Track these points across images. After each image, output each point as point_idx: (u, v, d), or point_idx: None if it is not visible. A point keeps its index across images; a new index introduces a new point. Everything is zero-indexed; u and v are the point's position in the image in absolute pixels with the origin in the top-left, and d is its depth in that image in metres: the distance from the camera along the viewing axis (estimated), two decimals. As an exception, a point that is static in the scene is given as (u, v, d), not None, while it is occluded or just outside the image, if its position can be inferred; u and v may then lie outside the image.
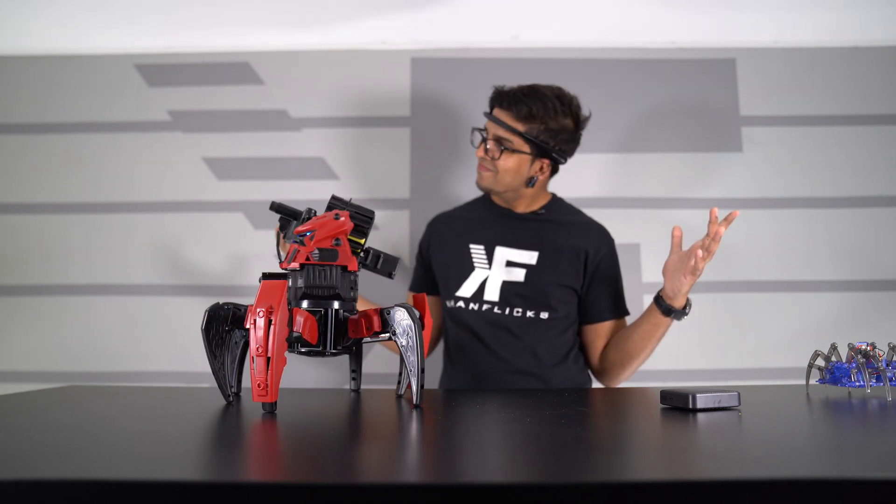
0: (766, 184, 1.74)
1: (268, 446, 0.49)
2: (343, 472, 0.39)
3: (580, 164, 1.76)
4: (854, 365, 0.73)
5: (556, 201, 1.41)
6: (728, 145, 1.76)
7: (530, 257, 1.31)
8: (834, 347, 0.77)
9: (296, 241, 0.72)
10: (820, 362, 0.79)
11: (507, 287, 1.29)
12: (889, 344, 0.75)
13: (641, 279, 1.71)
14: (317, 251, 0.71)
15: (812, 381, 0.79)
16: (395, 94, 1.79)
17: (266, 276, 0.66)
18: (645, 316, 1.23)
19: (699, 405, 0.62)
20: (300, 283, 0.71)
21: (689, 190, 1.75)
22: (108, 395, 0.80)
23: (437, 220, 1.46)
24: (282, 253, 1.03)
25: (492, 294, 1.29)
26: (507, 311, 1.28)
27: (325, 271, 0.71)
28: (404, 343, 0.69)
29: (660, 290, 1.20)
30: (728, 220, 1.08)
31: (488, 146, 1.30)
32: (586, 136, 1.81)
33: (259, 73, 1.80)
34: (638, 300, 1.71)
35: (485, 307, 1.30)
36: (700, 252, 1.07)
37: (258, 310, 0.59)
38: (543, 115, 1.28)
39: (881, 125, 1.75)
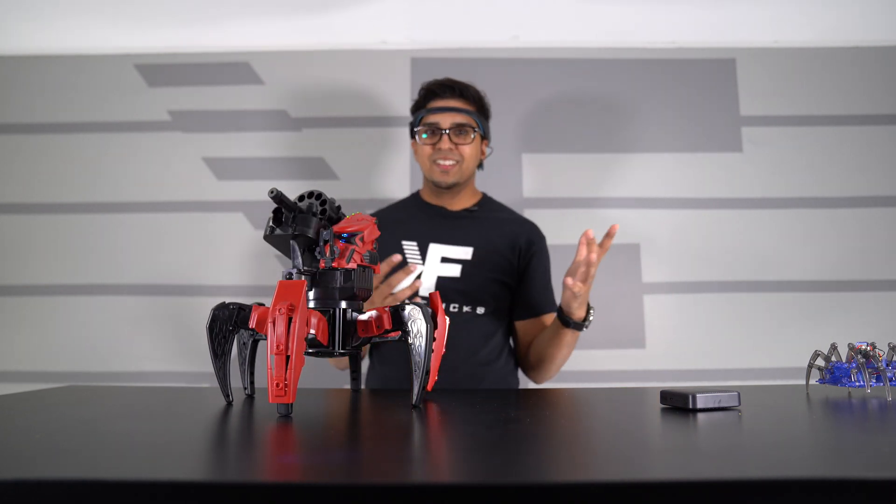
0: (766, 184, 1.75)
1: (269, 446, 0.49)
2: (345, 473, 0.39)
3: (580, 165, 1.77)
4: (854, 365, 0.73)
5: (487, 199, 1.42)
6: (728, 145, 1.76)
7: (465, 253, 1.30)
8: (834, 347, 0.77)
9: (346, 241, 0.70)
10: (820, 362, 0.79)
11: (442, 282, 1.28)
12: (889, 344, 0.75)
13: (641, 279, 1.72)
14: (368, 253, 0.72)
15: (812, 381, 0.79)
16: (395, 94, 1.79)
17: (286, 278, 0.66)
18: (551, 324, 1.24)
19: (699, 405, 0.62)
20: (342, 282, 0.69)
21: (689, 190, 1.75)
22: (107, 395, 0.80)
23: None
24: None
25: (426, 289, 1.28)
26: (443, 306, 1.27)
27: (366, 272, 0.72)
28: (415, 342, 0.68)
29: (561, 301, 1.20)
30: (609, 236, 1.09)
31: (453, 137, 1.29)
32: (588, 135, 1.81)
33: (259, 73, 1.80)
34: (638, 300, 1.71)
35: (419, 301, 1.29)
36: (569, 280, 1.07)
37: (279, 307, 0.58)
38: (481, 97, 1.35)
39: (881, 125, 1.76)
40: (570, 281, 1.06)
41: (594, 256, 1.05)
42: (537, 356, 1.28)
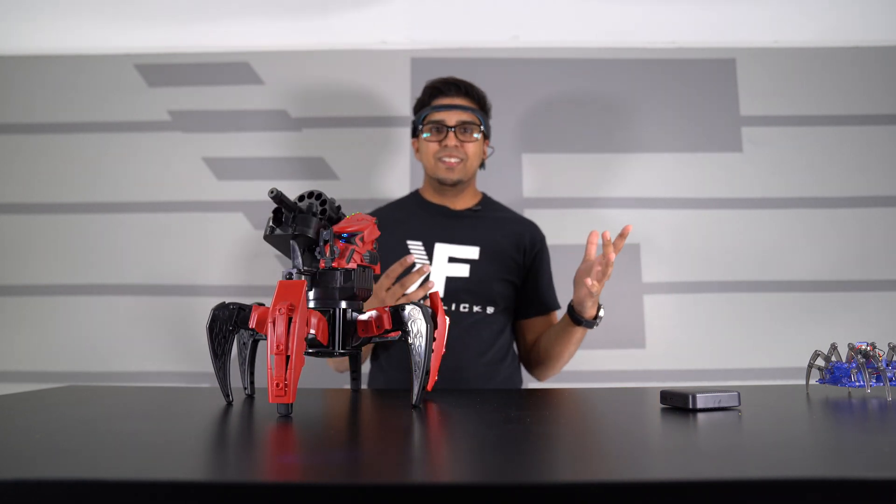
0: (767, 184, 1.75)
1: (269, 446, 0.49)
2: (345, 473, 0.39)
3: (580, 165, 1.77)
4: (854, 365, 0.73)
5: (487, 199, 1.42)
6: (728, 145, 1.76)
7: (472, 252, 1.30)
8: (834, 347, 0.77)
9: (346, 241, 0.70)
10: (820, 362, 0.79)
11: (451, 283, 1.28)
12: (889, 344, 0.75)
13: (641, 279, 1.72)
14: (368, 253, 0.72)
15: (812, 381, 0.79)
16: (395, 94, 1.79)
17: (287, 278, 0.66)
18: (560, 322, 1.24)
19: (699, 405, 0.62)
20: (342, 282, 0.69)
21: (689, 190, 1.75)
22: (107, 395, 0.80)
23: None
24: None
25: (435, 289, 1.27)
26: (454, 306, 1.27)
27: (366, 272, 0.72)
28: (415, 342, 0.68)
29: (571, 299, 1.20)
30: (622, 236, 1.10)
31: (458, 135, 1.29)
32: (588, 135, 1.81)
33: (259, 73, 1.80)
34: (638, 300, 1.71)
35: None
36: (588, 280, 1.07)
37: (279, 307, 0.58)
38: (483, 96, 1.35)
39: (881, 125, 1.76)
40: (589, 281, 1.07)
41: (612, 256, 1.07)
42: (545, 353, 1.29)
